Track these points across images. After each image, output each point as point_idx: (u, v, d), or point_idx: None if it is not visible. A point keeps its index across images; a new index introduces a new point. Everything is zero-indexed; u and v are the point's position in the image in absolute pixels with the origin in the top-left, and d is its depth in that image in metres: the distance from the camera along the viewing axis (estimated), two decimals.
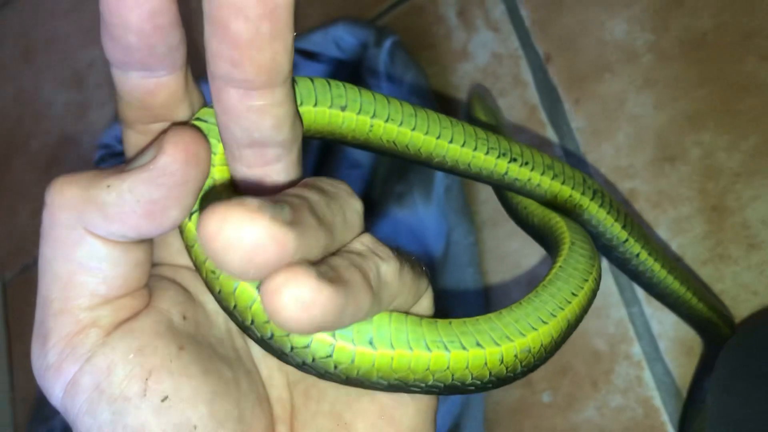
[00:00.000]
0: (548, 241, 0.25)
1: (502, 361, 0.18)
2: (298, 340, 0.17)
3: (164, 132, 0.16)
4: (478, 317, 0.18)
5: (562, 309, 0.19)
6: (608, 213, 0.27)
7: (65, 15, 0.75)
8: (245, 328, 0.17)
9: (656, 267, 0.30)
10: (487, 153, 0.23)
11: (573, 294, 0.20)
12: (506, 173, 0.24)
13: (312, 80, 0.19)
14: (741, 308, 0.40)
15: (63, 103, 0.73)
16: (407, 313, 0.18)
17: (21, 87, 0.77)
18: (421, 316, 0.18)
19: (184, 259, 0.20)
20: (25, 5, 0.79)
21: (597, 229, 0.27)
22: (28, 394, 0.63)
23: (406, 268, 0.17)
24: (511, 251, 0.47)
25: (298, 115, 0.18)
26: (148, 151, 0.16)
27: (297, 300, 0.13)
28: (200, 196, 0.17)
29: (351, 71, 0.49)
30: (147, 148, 0.17)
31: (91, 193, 0.16)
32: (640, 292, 0.43)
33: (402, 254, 0.18)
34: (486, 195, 0.48)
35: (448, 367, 0.17)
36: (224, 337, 0.19)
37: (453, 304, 0.45)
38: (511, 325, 0.18)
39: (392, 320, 0.17)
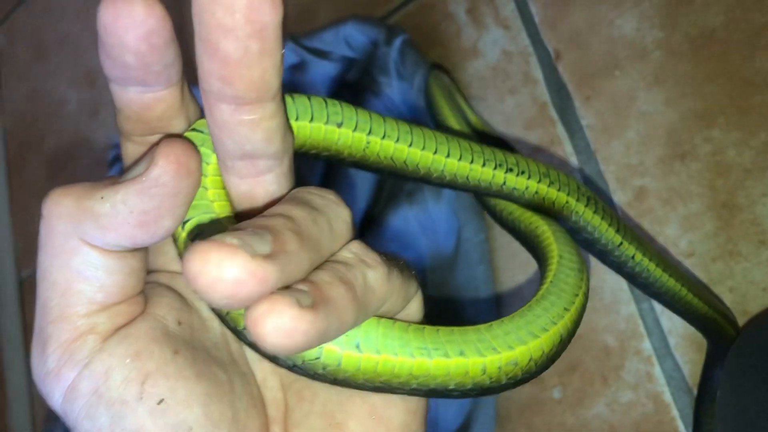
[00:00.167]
0: (535, 251, 0.25)
1: (485, 372, 0.18)
2: None
3: (157, 144, 0.17)
4: (467, 327, 0.19)
5: (555, 323, 0.20)
6: (602, 218, 0.28)
7: (77, 15, 0.76)
8: (237, 333, 0.18)
9: (651, 266, 0.31)
10: (483, 165, 0.24)
11: (565, 309, 0.21)
12: (504, 183, 0.24)
13: (309, 97, 0.20)
14: (751, 305, 0.40)
15: (76, 102, 0.73)
16: (395, 318, 0.19)
17: (34, 87, 0.78)
18: (409, 322, 0.19)
19: (180, 266, 0.20)
20: (37, 5, 0.80)
21: (593, 235, 0.28)
22: None
23: (394, 273, 0.18)
24: (522, 249, 0.47)
25: (288, 128, 0.18)
26: (141, 163, 0.17)
27: (279, 329, 0.14)
28: (196, 222, 0.18)
29: (361, 69, 0.50)
30: (140, 159, 0.17)
31: (86, 204, 0.16)
32: None
33: (390, 259, 0.18)
34: None
35: (429, 373, 0.18)
36: (219, 342, 0.20)
37: (464, 301, 0.46)
38: (500, 337, 0.19)
39: (380, 326, 0.18)
